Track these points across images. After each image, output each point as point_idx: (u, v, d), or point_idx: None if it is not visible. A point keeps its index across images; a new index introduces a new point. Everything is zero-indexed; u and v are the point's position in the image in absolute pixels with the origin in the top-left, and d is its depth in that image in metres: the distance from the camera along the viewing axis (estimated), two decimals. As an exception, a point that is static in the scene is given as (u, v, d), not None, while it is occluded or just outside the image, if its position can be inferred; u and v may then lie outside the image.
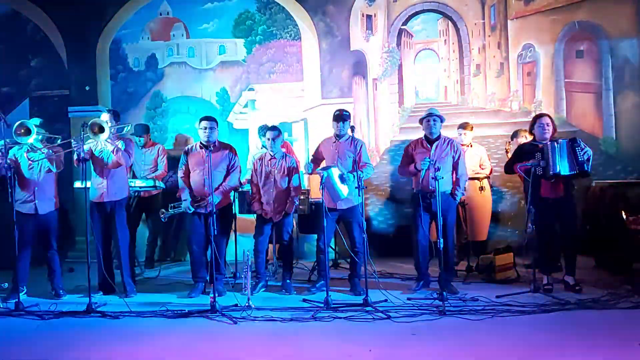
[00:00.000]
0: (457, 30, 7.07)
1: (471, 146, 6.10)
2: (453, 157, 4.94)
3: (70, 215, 6.84)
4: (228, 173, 5.16)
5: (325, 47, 7.19)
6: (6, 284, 5.37)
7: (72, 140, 4.98)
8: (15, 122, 5.00)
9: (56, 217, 5.24)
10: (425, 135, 5.03)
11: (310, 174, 5.28)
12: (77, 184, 5.60)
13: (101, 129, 4.87)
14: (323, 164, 5.23)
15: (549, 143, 4.79)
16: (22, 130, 4.90)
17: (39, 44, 7.50)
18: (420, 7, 7.10)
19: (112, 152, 5.03)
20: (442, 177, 4.59)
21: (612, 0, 6.69)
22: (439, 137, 4.97)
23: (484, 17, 7.01)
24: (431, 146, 4.95)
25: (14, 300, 4.77)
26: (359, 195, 4.74)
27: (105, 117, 5.12)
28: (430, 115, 4.94)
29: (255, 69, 7.32)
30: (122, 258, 5.21)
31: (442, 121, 5.00)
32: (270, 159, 5.27)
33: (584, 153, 4.77)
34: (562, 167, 4.72)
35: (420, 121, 5.06)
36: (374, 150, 7.12)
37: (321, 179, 4.71)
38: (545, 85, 6.85)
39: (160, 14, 7.49)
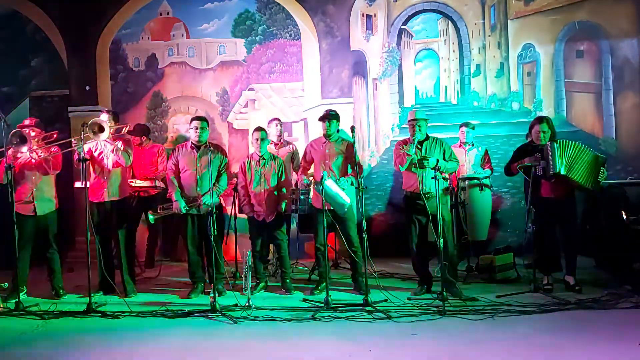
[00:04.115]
0: (457, 30, 7.07)
1: (473, 145, 6.10)
2: (443, 154, 4.90)
3: (70, 215, 6.83)
4: (219, 174, 5.16)
5: (325, 47, 7.19)
6: (6, 284, 5.37)
7: (72, 140, 4.98)
8: (15, 122, 5.01)
9: (56, 217, 5.25)
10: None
11: (309, 184, 5.27)
12: (77, 184, 5.60)
13: (101, 129, 4.86)
14: (312, 168, 5.24)
15: (548, 143, 4.79)
16: (17, 140, 4.88)
17: (39, 44, 7.51)
18: (420, 7, 7.10)
19: (112, 151, 5.02)
20: (441, 178, 4.59)
21: (612, 0, 6.69)
22: (427, 138, 4.95)
23: (484, 17, 7.01)
24: (421, 146, 4.92)
25: (14, 300, 4.77)
26: (359, 195, 4.74)
27: (104, 118, 5.12)
28: (414, 120, 4.85)
29: (255, 69, 7.32)
30: (122, 258, 5.21)
31: (426, 122, 4.93)
32: (259, 160, 5.26)
33: (604, 175, 4.83)
34: (563, 166, 4.72)
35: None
36: (374, 149, 7.12)
37: (320, 192, 4.70)
38: (545, 85, 6.86)
39: (160, 14, 7.49)
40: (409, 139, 4.90)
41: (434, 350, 3.58)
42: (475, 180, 5.85)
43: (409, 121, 4.92)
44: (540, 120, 4.96)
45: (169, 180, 5.16)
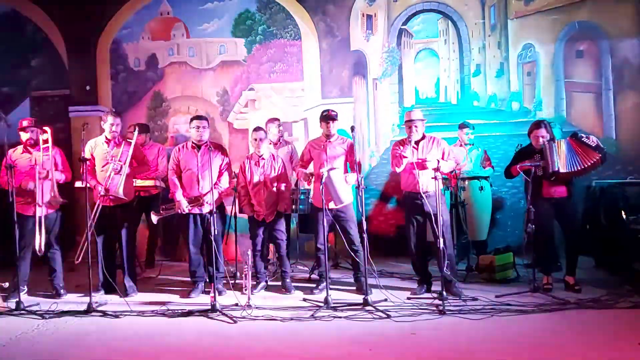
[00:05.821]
0: (457, 30, 7.07)
1: (473, 145, 6.10)
2: (442, 153, 4.90)
3: (71, 215, 6.83)
4: (220, 173, 5.16)
5: (325, 47, 7.19)
6: (7, 283, 5.37)
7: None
8: (15, 122, 5.00)
9: (56, 217, 5.25)
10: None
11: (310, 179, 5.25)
12: (78, 184, 5.60)
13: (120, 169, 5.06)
14: (311, 167, 5.23)
15: (547, 142, 4.81)
16: (45, 174, 5.04)
17: (39, 44, 7.50)
18: (420, 7, 7.10)
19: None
20: (440, 177, 4.60)
21: (612, 0, 6.69)
22: (423, 137, 4.95)
23: (484, 17, 7.01)
24: (417, 146, 4.92)
25: (15, 300, 4.78)
26: (360, 195, 4.75)
27: (110, 120, 5.14)
28: (411, 121, 4.85)
29: (255, 68, 7.32)
30: (123, 258, 5.21)
31: (423, 122, 4.93)
32: (258, 160, 5.26)
33: (590, 139, 4.81)
34: (562, 164, 4.74)
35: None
36: (374, 149, 7.12)
37: (321, 180, 4.71)
38: (545, 85, 6.85)
39: (160, 14, 7.49)
40: (405, 139, 4.91)
41: (433, 350, 3.59)
42: (476, 181, 5.85)
43: (405, 122, 4.93)
44: (539, 124, 4.96)
45: (171, 181, 5.17)
